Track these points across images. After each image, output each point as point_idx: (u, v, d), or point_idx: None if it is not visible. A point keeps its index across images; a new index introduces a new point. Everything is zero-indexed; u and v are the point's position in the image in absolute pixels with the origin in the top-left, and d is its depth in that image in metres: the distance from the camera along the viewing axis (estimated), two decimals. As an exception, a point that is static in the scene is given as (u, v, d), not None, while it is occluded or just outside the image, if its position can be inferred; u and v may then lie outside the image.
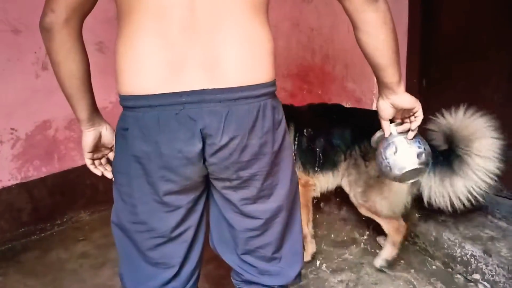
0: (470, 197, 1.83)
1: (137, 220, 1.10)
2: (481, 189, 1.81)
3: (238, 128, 1.00)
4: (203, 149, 1.00)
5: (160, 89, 0.97)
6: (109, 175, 1.25)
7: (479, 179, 1.80)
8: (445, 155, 1.86)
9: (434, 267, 2.10)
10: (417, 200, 2.01)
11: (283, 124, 1.12)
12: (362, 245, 2.29)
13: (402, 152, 1.26)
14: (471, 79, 2.22)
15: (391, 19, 1.08)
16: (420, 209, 2.22)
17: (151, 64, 0.97)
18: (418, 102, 1.23)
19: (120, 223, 1.13)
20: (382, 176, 1.58)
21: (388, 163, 1.28)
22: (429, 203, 1.93)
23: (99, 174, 1.28)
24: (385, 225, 2.05)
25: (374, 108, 2.24)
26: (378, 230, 2.37)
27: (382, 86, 1.19)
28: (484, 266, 1.90)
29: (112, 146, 1.26)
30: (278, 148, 1.09)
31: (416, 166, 1.27)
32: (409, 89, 2.43)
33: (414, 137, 1.26)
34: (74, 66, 1.06)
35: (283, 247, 1.23)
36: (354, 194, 2.06)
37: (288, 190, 1.16)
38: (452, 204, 1.86)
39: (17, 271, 2.28)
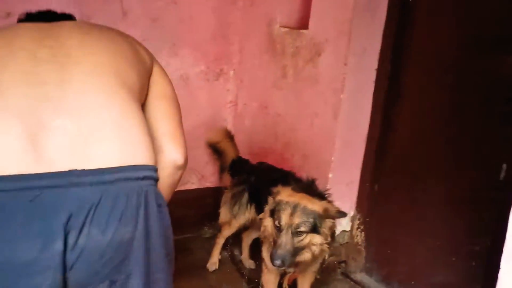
0: None
1: None
2: None
3: (114, 216, 0.82)
4: (64, 252, 0.78)
5: (16, 169, 0.78)
6: None
7: None
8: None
9: None
10: None
11: (164, 212, 0.97)
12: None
13: None
14: (417, 195, 2.27)
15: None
16: None
17: (9, 140, 0.81)
18: None
19: None
20: None
21: None
22: None
23: None
24: None
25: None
26: None
27: None
28: None
29: None
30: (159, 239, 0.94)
31: None
32: (361, 192, 2.47)
33: None
34: None
35: None
36: None
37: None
38: None
39: None
